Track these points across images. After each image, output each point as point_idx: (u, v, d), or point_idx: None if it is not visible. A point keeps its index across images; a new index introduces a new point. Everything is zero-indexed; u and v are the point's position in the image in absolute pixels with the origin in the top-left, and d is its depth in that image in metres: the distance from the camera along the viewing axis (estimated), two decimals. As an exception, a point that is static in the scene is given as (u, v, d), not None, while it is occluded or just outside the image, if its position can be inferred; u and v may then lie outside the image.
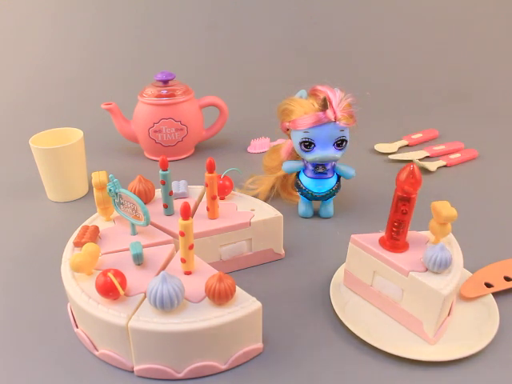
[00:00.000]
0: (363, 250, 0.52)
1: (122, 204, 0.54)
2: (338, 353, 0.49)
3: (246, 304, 0.45)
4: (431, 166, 0.87)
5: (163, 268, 0.50)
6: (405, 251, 0.50)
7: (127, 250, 0.52)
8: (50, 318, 0.53)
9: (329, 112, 0.61)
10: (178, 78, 0.93)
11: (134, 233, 0.56)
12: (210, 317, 0.43)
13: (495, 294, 0.54)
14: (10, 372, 0.47)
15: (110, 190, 0.53)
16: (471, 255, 0.56)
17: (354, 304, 0.54)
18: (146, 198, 0.62)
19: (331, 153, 0.64)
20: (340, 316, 0.51)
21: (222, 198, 0.64)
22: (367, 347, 0.48)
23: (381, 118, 1.14)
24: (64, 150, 0.74)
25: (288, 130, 0.68)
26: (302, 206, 0.73)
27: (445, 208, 0.48)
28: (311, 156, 0.65)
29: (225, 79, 1.36)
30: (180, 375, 0.46)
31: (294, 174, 0.73)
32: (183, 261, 0.49)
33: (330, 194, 0.70)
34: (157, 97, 0.88)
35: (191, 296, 0.46)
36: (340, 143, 0.64)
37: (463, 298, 0.54)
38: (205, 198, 0.63)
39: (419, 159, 0.91)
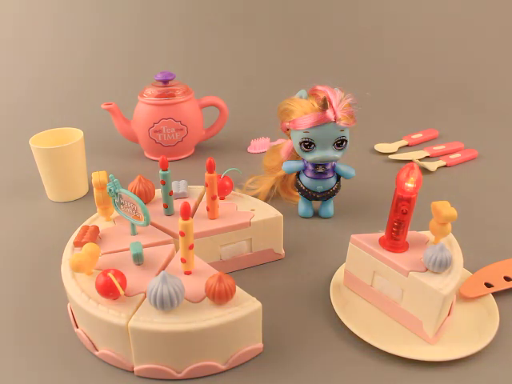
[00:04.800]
0: (363, 249, 0.52)
1: (122, 204, 0.54)
2: (337, 353, 0.49)
3: (246, 304, 0.45)
4: (431, 166, 0.87)
5: (163, 268, 0.50)
6: (405, 251, 0.50)
7: (127, 250, 0.52)
8: (50, 318, 0.53)
9: (329, 112, 0.61)
10: (178, 78, 0.93)
11: (134, 233, 0.56)
12: (210, 317, 0.43)
13: (495, 294, 0.54)
14: (11, 372, 0.47)
15: (110, 189, 0.53)
16: (471, 255, 0.56)
17: (353, 304, 0.54)
18: (146, 197, 0.62)
19: (331, 153, 0.64)
20: (340, 316, 0.51)
21: (221, 198, 0.64)
22: (367, 347, 0.48)
23: (381, 118, 1.14)
24: (64, 150, 0.74)
25: (288, 129, 0.68)
26: (302, 206, 0.73)
27: (445, 208, 0.48)
28: (311, 156, 0.65)
29: (225, 79, 1.36)
30: (180, 375, 0.46)
31: (294, 174, 0.73)
32: (183, 261, 0.49)
33: (330, 193, 0.70)
34: (157, 97, 0.88)
35: (191, 296, 0.46)
36: (340, 143, 0.64)
37: (463, 297, 0.54)
38: (205, 198, 0.63)
39: (419, 159, 0.91)
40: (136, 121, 0.91)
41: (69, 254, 0.53)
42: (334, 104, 0.61)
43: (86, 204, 0.78)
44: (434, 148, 0.95)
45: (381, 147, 0.96)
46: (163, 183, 0.58)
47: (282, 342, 0.50)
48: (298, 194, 0.73)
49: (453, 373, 0.46)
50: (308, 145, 0.64)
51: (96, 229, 0.55)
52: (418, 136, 1.01)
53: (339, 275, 0.58)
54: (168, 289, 0.42)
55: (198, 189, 0.67)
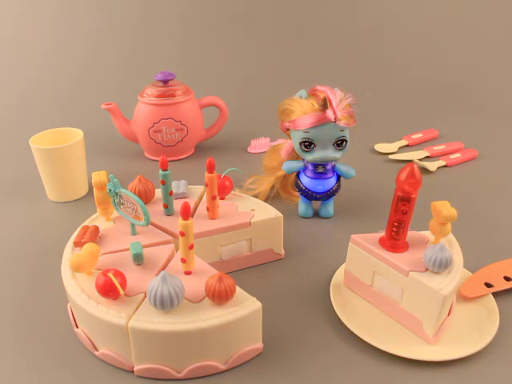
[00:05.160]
0: (363, 249, 0.52)
1: (122, 204, 0.54)
2: (337, 353, 0.49)
3: (246, 304, 0.45)
4: (431, 166, 0.87)
5: (163, 268, 0.50)
6: (405, 251, 0.50)
7: (127, 250, 0.52)
8: (50, 318, 0.53)
9: (329, 112, 0.61)
10: (178, 78, 0.93)
11: (134, 233, 0.56)
12: (210, 317, 0.43)
13: (495, 294, 0.54)
14: (10, 372, 0.47)
15: (110, 189, 0.53)
16: (471, 255, 0.56)
17: (353, 304, 0.54)
18: (146, 197, 0.62)
19: (331, 153, 0.64)
20: (340, 316, 0.51)
21: (221, 198, 0.64)
22: (367, 347, 0.48)
23: (381, 118, 1.14)
24: (64, 150, 0.74)
25: (288, 129, 0.68)
26: (302, 206, 0.73)
27: (445, 208, 0.48)
28: (311, 156, 0.65)
29: (225, 79, 1.36)
30: (180, 375, 0.46)
31: (294, 174, 0.73)
32: (183, 261, 0.49)
33: (330, 194, 0.70)
34: (157, 97, 0.88)
35: (191, 296, 0.46)
36: (340, 143, 0.64)
37: (463, 297, 0.54)
38: (205, 198, 0.63)
39: (419, 159, 0.91)
40: (136, 121, 0.91)
41: (69, 253, 0.53)
42: (334, 104, 0.61)
43: (86, 204, 0.78)
44: (434, 148, 0.95)
45: (381, 147, 0.96)
46: (163, 183, 0.58)
47: (282, 342, 0.50)
48: (297, 194, 0.73)
49: (453, 373, 0.46)
50: (308, 145, 0.64)
51: (96, 229, 0.55)
52: (417, 136, 1.01)
53: (339, 275, 0.58)
54: (168, 289, 0.42)
55: (198, 189, 0.67)
